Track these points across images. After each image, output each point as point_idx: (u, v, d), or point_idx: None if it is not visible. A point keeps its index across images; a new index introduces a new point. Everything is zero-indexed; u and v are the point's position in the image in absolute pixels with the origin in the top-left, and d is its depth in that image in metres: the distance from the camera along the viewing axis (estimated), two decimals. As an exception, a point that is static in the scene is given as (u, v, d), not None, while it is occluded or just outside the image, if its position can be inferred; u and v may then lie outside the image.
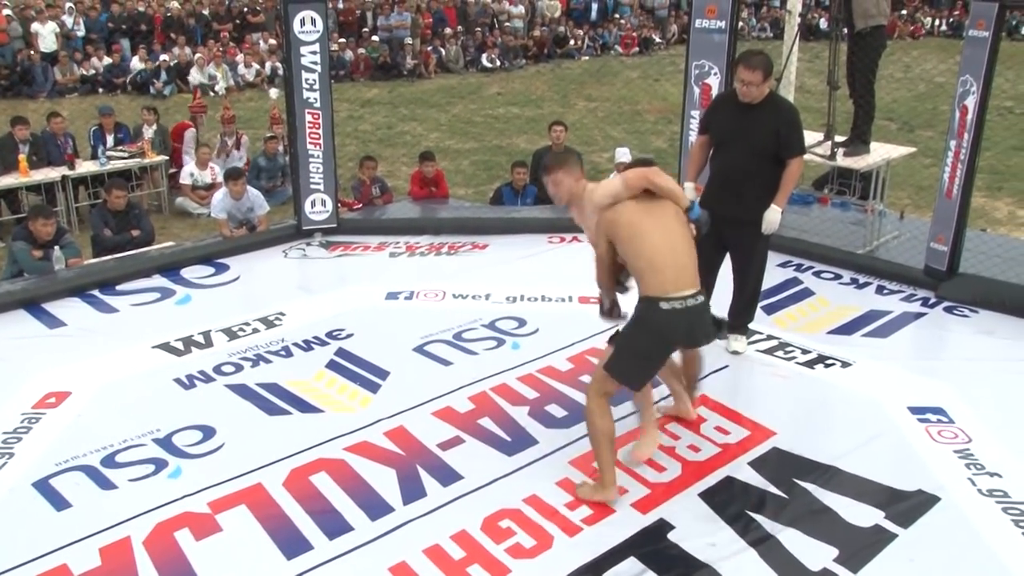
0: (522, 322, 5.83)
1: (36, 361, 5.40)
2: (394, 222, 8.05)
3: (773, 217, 4.99)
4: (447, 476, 4.25)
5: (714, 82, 7.04)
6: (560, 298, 6.15)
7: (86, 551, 3.78)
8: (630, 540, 3.80)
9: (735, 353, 5.41)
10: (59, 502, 4.11)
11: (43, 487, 4.21)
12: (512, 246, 7.22)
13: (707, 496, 4.09)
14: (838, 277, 6.56)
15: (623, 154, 9.10)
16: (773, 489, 4.15)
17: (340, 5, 20.79)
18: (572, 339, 5.54)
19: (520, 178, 9.09)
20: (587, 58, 21.97)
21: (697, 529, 3.87)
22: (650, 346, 3.99)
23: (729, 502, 4.06)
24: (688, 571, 3.65)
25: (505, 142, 13.62)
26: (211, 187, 10.30)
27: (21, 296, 6.33)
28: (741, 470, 4.28)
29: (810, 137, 7.40)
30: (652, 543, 3.80)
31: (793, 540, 3.81)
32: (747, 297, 5.39)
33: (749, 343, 5.51)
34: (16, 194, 9.63)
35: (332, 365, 5.34)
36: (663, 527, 3.89)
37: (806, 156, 7.07)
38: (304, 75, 7.04)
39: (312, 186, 7.33)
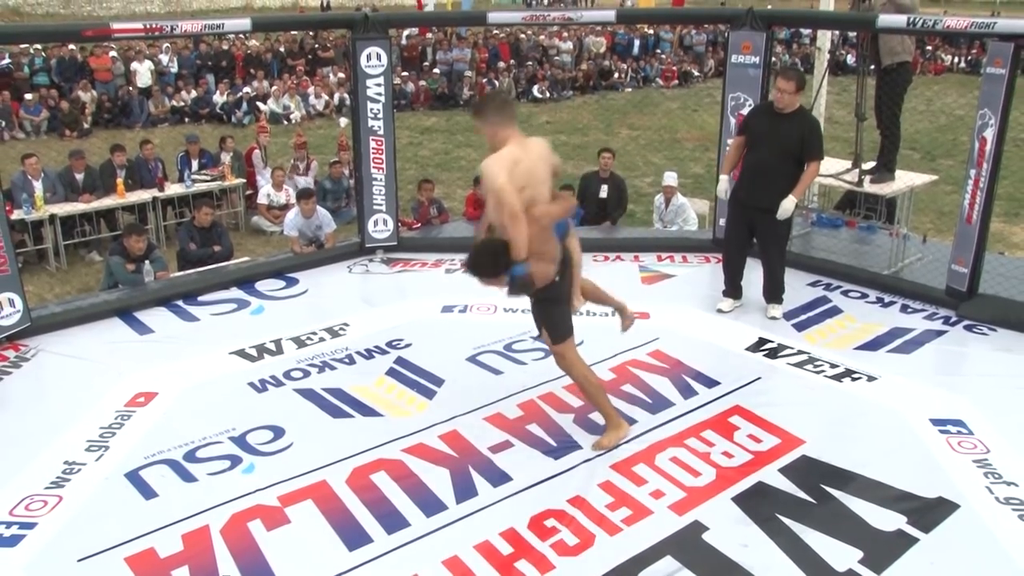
0: (568, 334, 5.77)
1: (128, 364, 5.49)
2: (450, 240, 8.05)
3: (788, 205, 5.63)
4: (497, 477, 4.24)
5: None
6: (603, 312, 6.04)
7: (170, 537, 3.83)
8: (667, 540, 3.76)
9: (773, 319, 5.93)
10: (147, 491, 4.17)
11: (134, 477, 4.28)
12: (559, 264, 7.16)
13: (739, 500, 4.03)
14: (864, 296, 6.44)
15: (671, 178, 9.03)
16: (802, 494, 4.08)
17: (404, 41, 20.97)
18: (614, 351, 5.51)
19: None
20: (630, 90, 21.91)
21: (730, 531, 3.82)
22: (562, 309, 4.39)
23: (760, 506, 3.99)
24: (721, 570, 3.59)
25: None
26: (285, 207, 10.43)
27: (116, 305, 6.44)
28: (772, 476, 4.22)
29: (838, 164, 7.32)
30: (688, 543, 3.75)
31: (820, 542, 3.74)
32: (774, 274, 6.01)
33: (780, 356, 5.45)
34: (113, 214, 9.84)
35: (392, 372, 5.36)
36: (698, 528, 3.84)
37: (832, 181, 7.05)
38: (369, 105, 7.09)
39: (375, 207, 7.37)
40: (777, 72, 5.92)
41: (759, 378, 5.19)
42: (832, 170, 7.19)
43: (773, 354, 5.49)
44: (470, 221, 9.04)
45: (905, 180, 6.95)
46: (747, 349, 5.55)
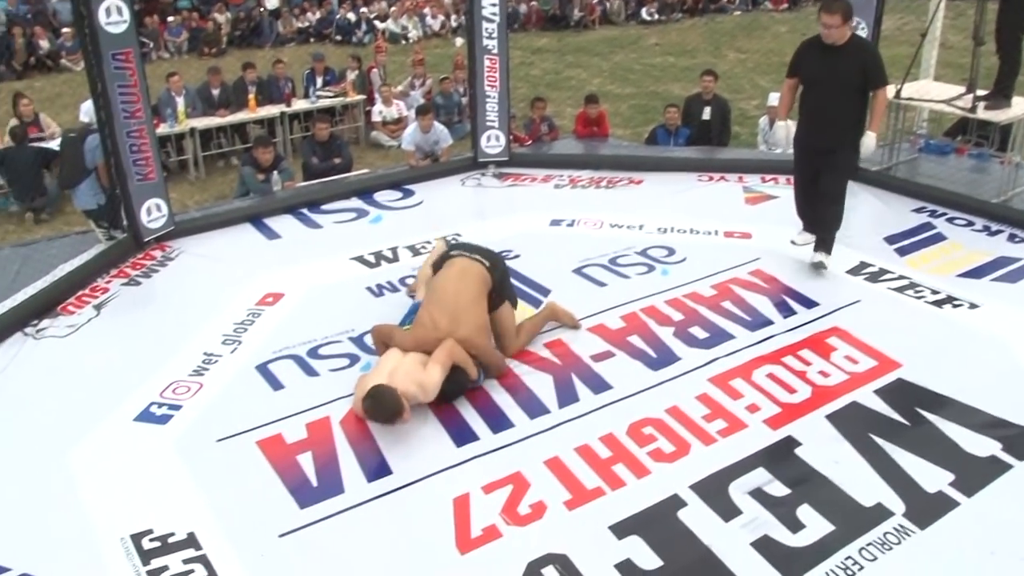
0: (671, 251, 5.69)
1: (258, 266, 5.66)
2: (559, 157, 7.95)
3: (869, 142, 5.07)
4: (598, 385, 4.24)
5: (862, 36, 6.55)
6: (707, 231, 5.97)
7: (296, 425, 3.98)
8: (760, 453, 3.71)
9: (817, 264, 5.27)
10: (275, 383, 4.34)
11: (263, 370, 4.45)
12: (665, 182, 7.03)
13: (834, 418, 3.93)
14: (971, 224, 6.07)
15: (776, 99, 8.62)
16: (896, 416, 3.95)
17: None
18: (716, 268, 5.38)
19: (673, 119, 8.77)
20: (739, 13, 20.89)
21: (823, 447, 3.74)
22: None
23: (854, 425, 3.88)
24: (812, 484, 3.53)
25: (661, 88, 13.21)
26: (398, 121, 10.51)
27: (247, 212, 6.63)
28: (867, 397, 4.09)
29: (951, 90, 6.86)
30: (780, 457, 3.69)
31: (912, 464, 3.63)
32: (831, 217, 5.26)
33: (881, 280, 5.22)
34: (245, 127, 10.08)
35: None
36: (791, 443, 3.78)
37: (943, 107, 6.60)
38: (484, 25, 6.97)
39: (488, 123, 7.31)
40: (820, 7, 4.99)
41: (859, 301, 4.99)
42: (944, 95, 6.74)
43: (874, 278, 5.26)
44: (579, 139, 8.92)
45: (1021, 107, 6.46)
46: (848, 272, 5.33)
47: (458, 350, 4.01)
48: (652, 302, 5.02)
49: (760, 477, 3.56)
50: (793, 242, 5.49)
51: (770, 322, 4.79)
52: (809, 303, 4.98)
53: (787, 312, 4.89)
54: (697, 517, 3.36)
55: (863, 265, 5.41)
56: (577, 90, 12.46)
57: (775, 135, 5.41)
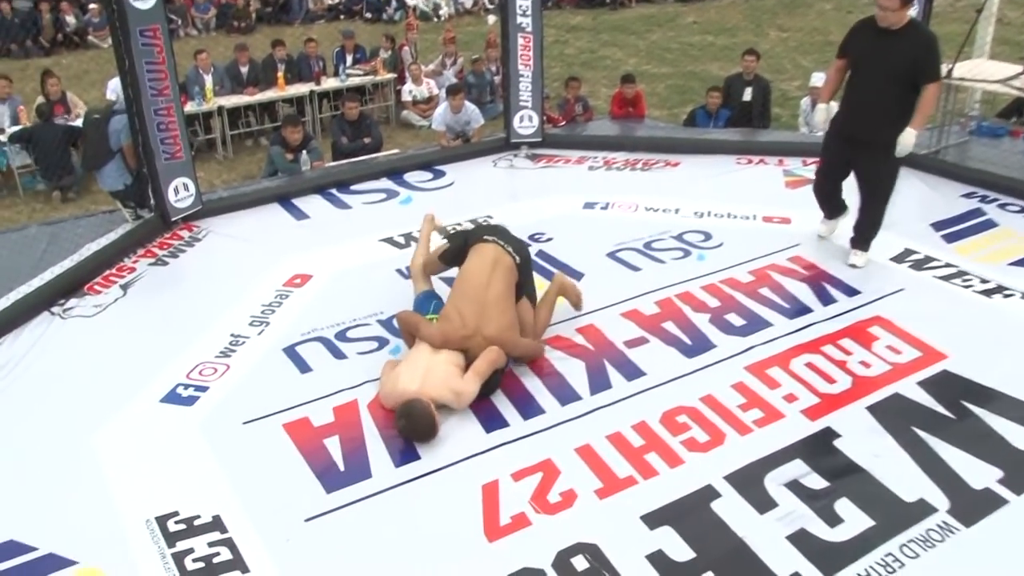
0: (708, 236, 5.65)
1: (286, 247, 5.70)
2: (594, 138, 7.91)
3: (908, 140, 4.75)
4: (631, 371, 4.23)
5: (911, 14, 6.42)
6: (745, 216, 5.91)
7: (323, 408, 4.01)
8: (797, 444, 3.68)
9: (853, 267, 5.13)
10: (303, 366, 4.37)
11: (291, 352, 4.48)
12: (702, 165, 6.97)
13: (875, 410, 3.88)
14: (1024, 210, 5.96)
15: (819, 79, 8.51)
16: (941, 409, 3.89)
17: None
18: (754, 254, 5.33)
19: (714, 102, 8.68)
20: (782, -11, 20.62)
21: (863, 440, 3.69)
22: None
23: (896, 417, 3.83)
24: (851, 477, 3.49)
25: (699, 68, 13.06)
26: (429, 100, 10.50)
27: (275, 192, 6.67)
28: (910, 388, 4.03)
29: (1006, 69, 6.71)
30: (818, 448, 3.65)
31: (957, 459, 3.57)
32: (871, 217, 5.11)
33: (927, 268, 5.13)
34: (274, 106, 10.13)
35: (533, 265, 5.34)
36: (830, 435, 3.74)
37: (998, 88, 6.44)
38: (518, 2, 6.93)
39: (521, 103, 7.28)
40: None
41: (903, 289, 4.92)
42: (1000, 75, 6.59)
43: (919, 266, 5.18)
44: (615, 119, 8.86)
45: (1082, 87, 6.31)
46: (892, 259, 5.24)
47: (499, 357, 3.99)
48: (687, 288, 4.98)
49: (797, 469, 3.53)
50: (820, 236, 5.42)
51: (809, 310, 4.74)
52: (850, 291, 4.91)
53: (827, 300, 4.83)
54: (731, 509, 3.34)
55: (908, 252, 5.32)
56: (613, 70, 12.37)
57: (814, 117, 5.23)
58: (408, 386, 3.82)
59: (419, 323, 4.17)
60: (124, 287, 5.25)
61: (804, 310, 4.74)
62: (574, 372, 4.22)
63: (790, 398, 3.97)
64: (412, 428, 3.73)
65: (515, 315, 4.21)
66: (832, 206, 5.39)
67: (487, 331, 4.01)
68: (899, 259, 5.26)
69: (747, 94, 8.76)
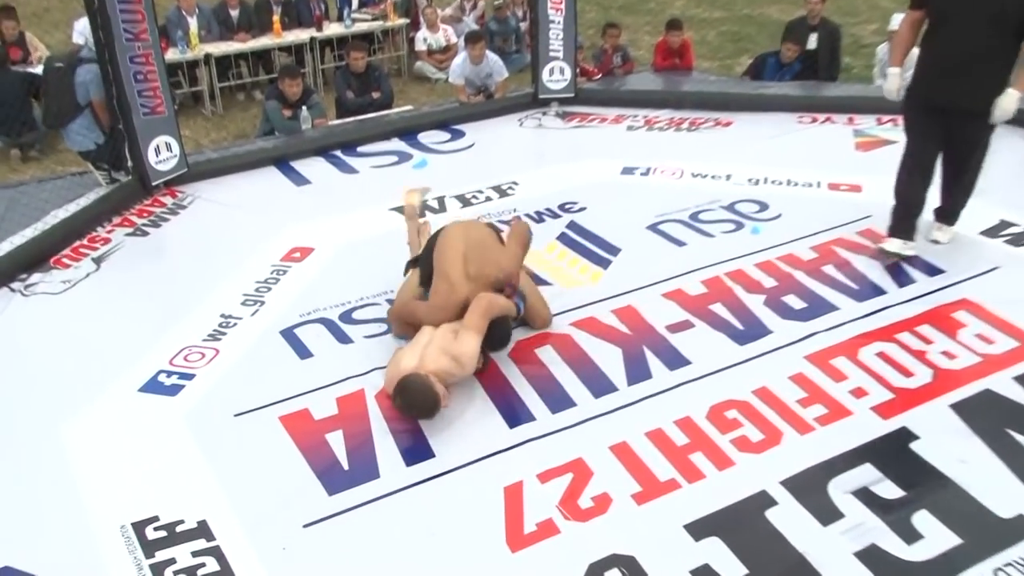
0: (764, 206, 5.61)
1: (284, 216, 5.73)
2: (634, 94, 7.87)
3: (1009, 104, 4.49)
4: (674, 360, 4.21)
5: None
6: (807, 183, 5.86)
7: (325, 399, 4.02)
8: (867, 446, 3.63)
9: (935, 243, 5.05)
10: (302, 351, 4.39)
11: (289, 335, 4.51)
12: (758, 124, 6.92)
13: (960, 408, 3.82)
14: None
15: (899, 21, 8.38)
16: (1041, 408, 3.83)
17: None
18: (817, 227, 5.29)
19: (791, 53, 8.50)
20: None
21: (945, 442, 3.64)
22: None
23: (986, 417, 3.77)
24: (932, 486, 3.44)
25: (756, 11, 12.94)
26: (447, 49, 10.46)
27: (272, 153, 6.70)
28: (1004, 384, 3.96)
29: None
30: (892, 452, 3.61)
31: (1059, 467, 3.52)
32: (961, 189, 4.96)
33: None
34: (270, 55, 10.13)
35: (563, 238, 5.37)
36: (906, 436, 3.68)
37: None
38: (550, -64, 6.91)
39: (551, 53, 7.25)
40: None
41: (996, 268, 4.85)
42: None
43: (1017, 240, 5.09)
44: (658, 72, 8.79)
45: None
46: (983, 233, 5.17)
47: (493, 302, 4.01)
48: (740, 265, 4.96)
49: (867, 475, 3.49)
50: (887, 252, 4.96)
51: (882, 291, 4.69)
52: (932, 270, 4.86)
53: (904, 280, 4.78)
54: (789, 518, 3.31)
55: (1004, 224, 5.24)
56: (656, 14, 12.28)
57: (888, 83, 4.92)
58: (408, 364, 3.87)
59: (414, 309, 4.23)
60: (97, 260, 5.30)
61: (876, 292, 4.69)
62: (609, 360, 4.21)
63: (859, 393, 3.93)
64: (410, 403, 3.77)
65: (516, 255, 4.29)
66: (915, 214, 4.93)
67: (487, 270, 4.08)
68: (992, 233, 5.18)
69: (812, 41, 8.63)
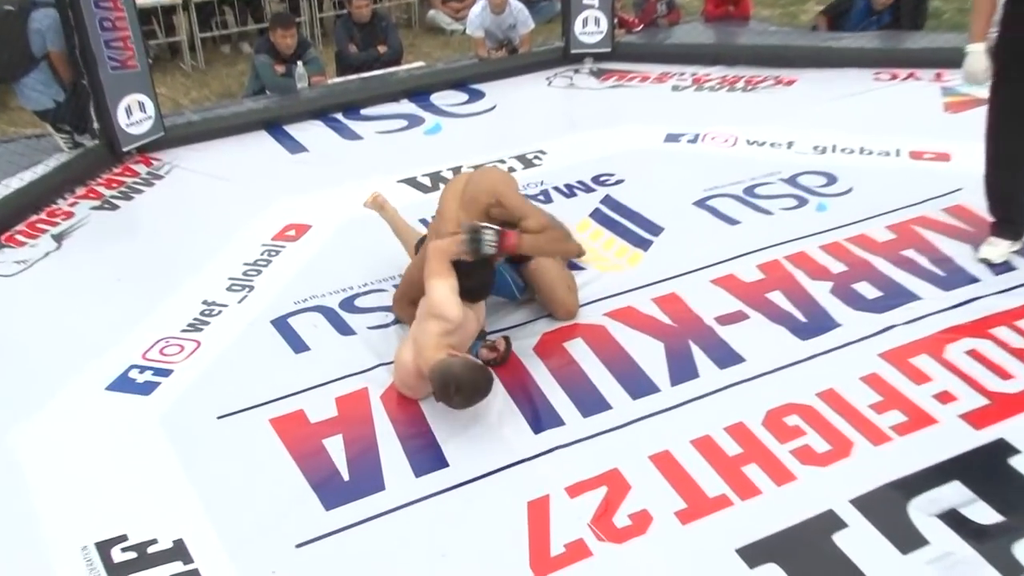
0: (832, 179, 5.58)
1: (277, 188, 5.75)
2: (680, 48, 7.84)
3: (974, 65, 4.42)
4: (725, 357, 4.17)
5: None
6: (884, 151, 5.82)
7: (323, 399, 4.01)
8: (956, 460, 3.56)
9: (983, 261, 4.71)
10: (297, 344, 4.38)
11: (281, 326, 4.50)
12: (827, 83, 6.89)
13: (1069, 418, 3.78)
14: None
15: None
16: None
17: None
18: (896, 203, 5.23)
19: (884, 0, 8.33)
20: None
21: (1051, 458, 3.60)
22: None
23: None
24: (1034, 508, 3.40)
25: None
26: (465, -4, 10.43)
27: (263, 115, 6.71)
28: None
29: None
30: (987, 468, 3.54)
31: None
32: None
33: None
34: (259, 1, 10.11)
35: (597, 215, 5.35)
36: (1004, 450, 3.61)
37: None
38: None
39: (585, 2, 7.21)
40: None
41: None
42: None
43: None
44: (709, 22, 8.75)
45: None
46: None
47: (441, 245, 3.98)
48: (803, 247, 4.93)
49: (956, 495, 3.42)
50: (984, 260, 4.75)
51: (974, 279, 4.63)
52: (1034, 254, 4.81)
53: (1000, 267, 4.71)
54: (861, 544, 3.27)
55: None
56: (708, -46, 12.19)
57: (969, 65, 4.54)
58: (406, 357, 3.89)
59: (411, 266, 4.38)
60: (57, 237, 5.32)
61: (967, 279, 4.63)
62: (650, 356, 4.18)
63: (945, 397, 3.88)
64: (473, 389, 3.71)
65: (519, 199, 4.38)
66: (1011, 216, 4.74)
67: (480, 197, 4.19)
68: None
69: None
